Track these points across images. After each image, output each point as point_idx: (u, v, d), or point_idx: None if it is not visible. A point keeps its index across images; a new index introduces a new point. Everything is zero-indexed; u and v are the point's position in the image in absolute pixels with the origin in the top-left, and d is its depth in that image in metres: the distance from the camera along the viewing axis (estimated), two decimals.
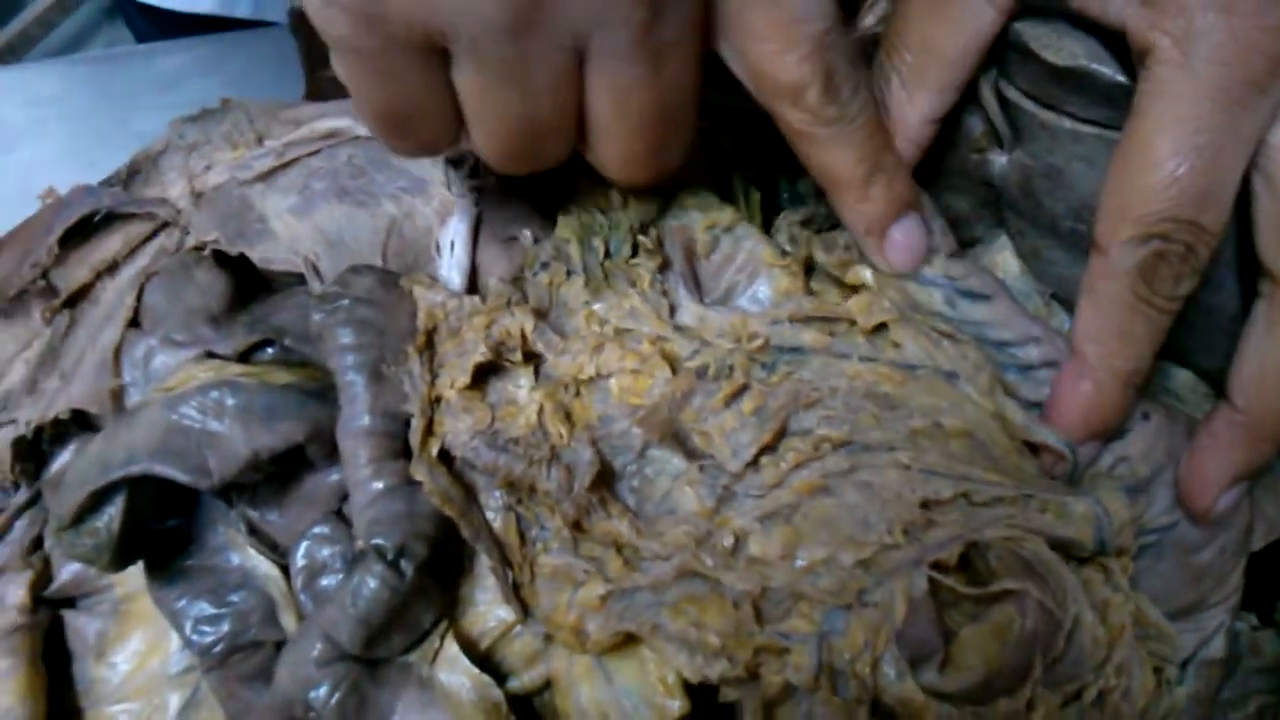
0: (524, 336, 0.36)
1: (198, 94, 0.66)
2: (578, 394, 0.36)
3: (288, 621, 0.37)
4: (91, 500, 0.35)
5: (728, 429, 0.35)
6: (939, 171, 0.41)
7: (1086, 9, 0.35)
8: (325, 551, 0.37)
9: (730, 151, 0.42)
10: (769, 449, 0.34)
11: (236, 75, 0.66)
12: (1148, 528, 0.37)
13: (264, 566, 0.38)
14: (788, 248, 0.40)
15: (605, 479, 0.35)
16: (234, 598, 0.37)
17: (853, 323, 0.37)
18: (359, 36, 0.31)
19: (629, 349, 0.35)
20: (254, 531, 0.38)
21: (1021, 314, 0.38)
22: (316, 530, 0.37)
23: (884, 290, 0.38)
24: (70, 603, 0.40)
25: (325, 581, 0.36)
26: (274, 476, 0.38)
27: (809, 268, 0.39)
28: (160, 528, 0.38)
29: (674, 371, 0.35)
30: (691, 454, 0.35)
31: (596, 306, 0.37)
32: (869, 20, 0.44)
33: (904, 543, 0.32)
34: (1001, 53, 0.38)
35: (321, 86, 0.53)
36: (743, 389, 0.35)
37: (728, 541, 0.33)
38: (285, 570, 0.37)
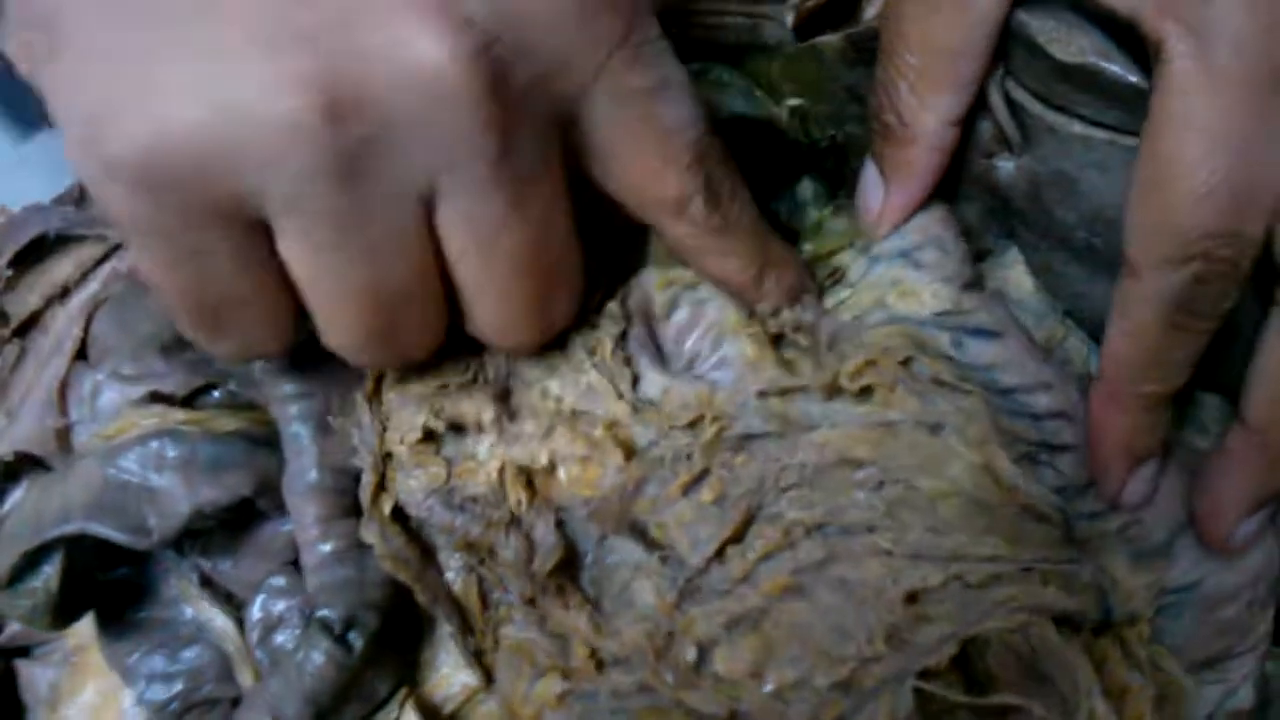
0: (479, 425, 0.33)
1: None
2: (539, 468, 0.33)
3: (244, 678, 0.35)
4: (26, 560, 0.33)
5: (685, 521, 0.32)
6: (947, 181, 0.38)
7: None
8: (281, 605, 0.35)
9: None
10: (734, 540, 0.32)
11: None
12: (1168, 588, 0.35)
13: (218, 620, 0.35)
14: None
15: (567, 564, 0.32)
16: (187, 653, 0.36)
17: (833, 388, 0.33)
18: (150, 215, 0.26)
19: (580, 433, 0.32)
20: (207, 582, 0.36)
21: (1033, 355, 0.35)
22: (272, 582, 0.35)
23: (889, 340, 0.34)
24: (24, 651, 0.38)
25: (281, 638, 0.34)
26: (227, 524, 0.35)
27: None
28: (110, 578, 0.36)
29: (630, 457, 0.32)
30: (651, 544, 0.32)
31: (551, 384, 0.34)
32: (870, 11, 0.41)
33: (886, 652, 0.29)
34: (1007, 48, 0.34)
35: None
36: (702, 475, 0.32)
37: (690, 655, 0.30)
38: (241, 622, 0.35)
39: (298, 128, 0.25)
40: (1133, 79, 0.32)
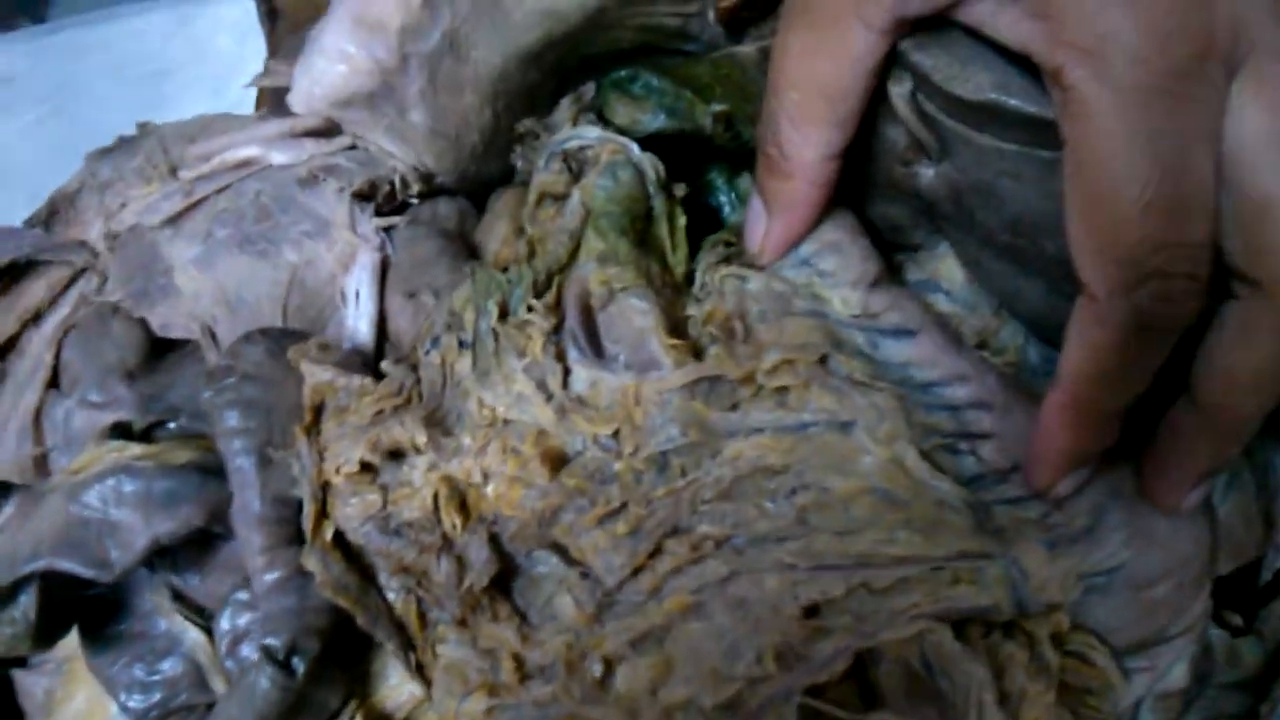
0: (415, 448, 0.34)
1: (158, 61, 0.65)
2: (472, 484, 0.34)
3: (217, 685, 0.37)
4: (4, 593, 0.35)
5: (600, 548, 0.33)
6: (868, 182, 0.38)
7: (977, 26, 0.32)
8: (245, 618, 0.36)
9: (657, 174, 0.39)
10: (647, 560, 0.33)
11: (199, 39, 0.64)
12: (1094, 571, 0.35)
13: (190, 633, 0.38)
14: (706, 280, 0.37)
15: (500, 577, 0.34)
16: (164, 665, 0.38)
17: (751, 384, 0.34)
18: None
19: (510, 450, 0.34)
20: (178, 597, 0.38)
21: (949, 349, 0.36)
22: (237, 597, 0.37)
23: (808, 335, 0.35)
24: (21, 661, 0.41)
25: (247, 650, 0.36)
26: (193, 541, 0.38)
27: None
28: (89, 594, 0.39)
29: (556, 471, 0.34)
30: (571, 561, 0.33)
31: (484, 394, 0.35)
32: None
33: (775, 671, 0.31)
34: (908, 75, 0.34)
35: (285, 44, 0.52)
36: (620, 508, 0.33)
37: (597, 670, 0.32)
38: (211, 634, 0.37)
39: None
40: (1033, 110, 0.31)
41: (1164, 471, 0.34)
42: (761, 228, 0.36)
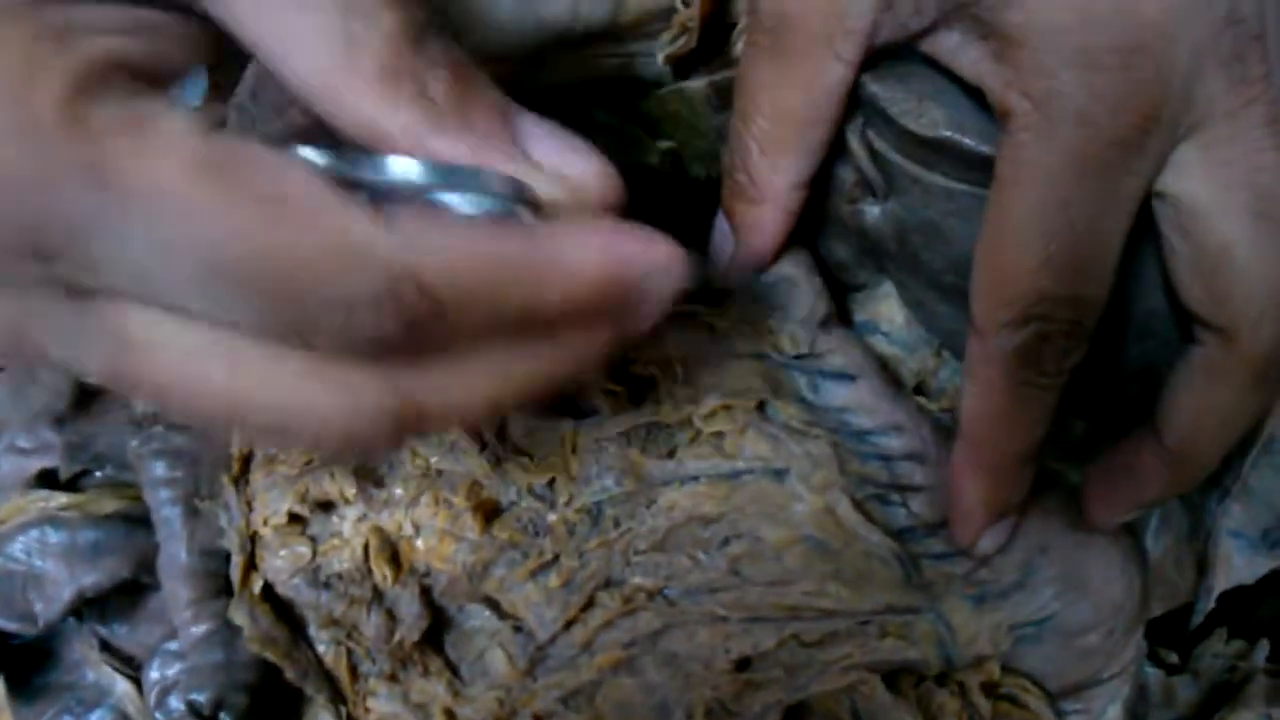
0: (344, 498, 0.34)
1: None
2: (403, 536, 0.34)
3: None
4: None
5: (533, 601, 0.33)
6: (815, 219, 0.38)
7: (940, 58, 0.32)
8: (175, 669, 0.36)
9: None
10: (580, 613, 0.33)
11: None
12: (1025, 622, 0.35)
13: (120, 684, 0.37)
14: None
15: (432, 631, 0.33)
16: (92, 716, 0.38)
17: (688, 428, 0.34)
18: None
19: (442, 503, 0.33)
20: (106, 647, 0.38)
21: (887, 397, 0.36)
22: (166, 647, 0.36)
23: (748, 380, 0.35)
24: None
25: (175, 701, 0.36)
26: (122, 589, 0.37)
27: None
28: (16, 643, 0.38)
29: (488, 524, 0.33)
30: (503, 614, 0.33)
31: (418, 444, 0.34)
32: (740, 48, 0.41)
33: None
34: (864, 110, 0.34)
35: None
36: (552, 560, 0.33)
37: None
38: (140, 684, 0.37)
39: None
40: (985, 150, 0.32)
41: (1111, 494, 0.35)
42: (728, 252, 0.36)
